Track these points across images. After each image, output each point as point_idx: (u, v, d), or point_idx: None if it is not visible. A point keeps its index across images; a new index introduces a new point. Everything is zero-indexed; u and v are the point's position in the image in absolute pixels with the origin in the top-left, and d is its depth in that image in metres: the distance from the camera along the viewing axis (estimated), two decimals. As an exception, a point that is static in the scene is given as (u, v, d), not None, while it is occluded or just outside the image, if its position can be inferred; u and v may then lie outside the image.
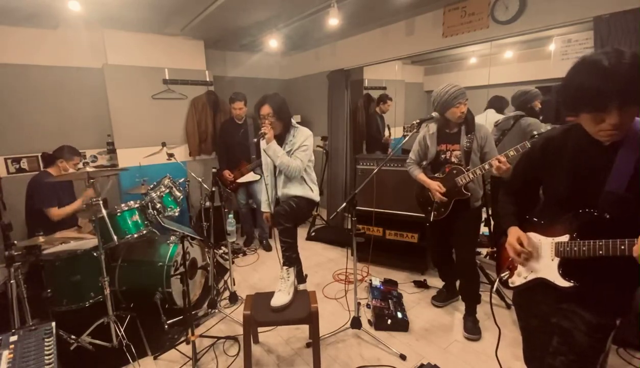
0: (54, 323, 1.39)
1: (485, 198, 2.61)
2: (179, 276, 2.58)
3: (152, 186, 2.88)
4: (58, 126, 3.60)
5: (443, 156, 2.30)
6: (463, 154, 2.21)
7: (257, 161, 3.68)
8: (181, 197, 3.00)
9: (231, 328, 2.52)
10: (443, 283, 2.78)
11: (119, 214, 2.45)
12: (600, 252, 1.08)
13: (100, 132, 3.85)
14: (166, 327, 2.43)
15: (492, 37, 2.92)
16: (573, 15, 2.45)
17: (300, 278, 2.58)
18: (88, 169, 2.28)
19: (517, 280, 1.38)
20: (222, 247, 3.77)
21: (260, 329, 2.38)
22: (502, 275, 1.44)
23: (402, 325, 2.43)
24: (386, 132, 4.70)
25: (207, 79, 4.22)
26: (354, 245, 2.23)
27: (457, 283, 2.61)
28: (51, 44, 3.48)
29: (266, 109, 2.24)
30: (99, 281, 2.20)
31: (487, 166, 2.05)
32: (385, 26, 3.80)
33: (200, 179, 3.18)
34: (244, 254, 3.85)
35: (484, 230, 2.94)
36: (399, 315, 2.47)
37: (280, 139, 2.30)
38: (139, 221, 2.54)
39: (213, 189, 2.61)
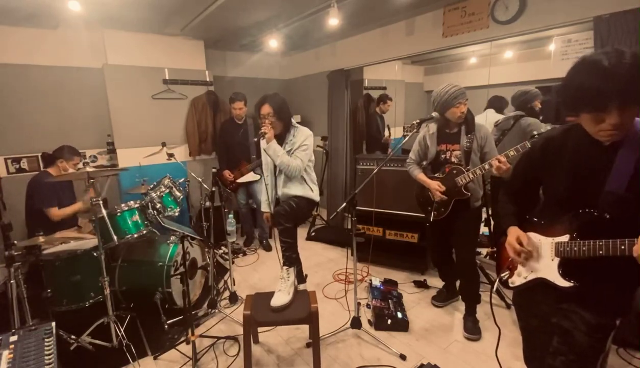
0: (54, 323, 1.39)
1: (485, 198, 2.61)
2: (179, 276, 2.58)
3: (152, 186, 2.88)
4: (58, 126, 3.60)
5: (443, 156, 2.30)
6: (463, 154, 2.21)
7: (257, 161, 3.68)
8: (181, 197, 3.00)
9: (231, 328, 2.52)
10: (443, 283, 2.78)
11: (119, 214, 2.45)
12: (600, 252, 1.08)
13: (100, 132, 3.85)
14: (166, 327, 2.43)
15: (492, 37, 2.92)
16: (573, 15, 2.45)
17: (300, 278, 2.58)
18: (88, 169, 2.27)
19: (517, 280, 1.38)
20: (222, 247, 3.77)
21: (260, 329, 2.38)
22: (502, 275, 1.44)
23: (402, 325, 2.43)
24: (386, 133, 4.70)
25: (207, 79, 4.22)
26: (354, 245, 2.23)
27: (457, 283, 2.61)
28: (51, 44, 3.48)
29: (266, 109, 2.24)
30: (99, 281, 2.20)
31: (487, 166, 2.05)
32: (385, 26, 3.80)
33: (200, 179, 3.19)
34: (244, 254, 3.85)
35: (484, 230, 2.94)
36: (399, 315, 2.47)
37: (281, 139, 2.30)
38: (139, 221, 2.54)
39: (213, 189, 2.61)
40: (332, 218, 4.32)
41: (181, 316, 2.52)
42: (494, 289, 1.49)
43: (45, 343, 1.31)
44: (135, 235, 2.47)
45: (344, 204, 2.19)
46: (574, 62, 1.05)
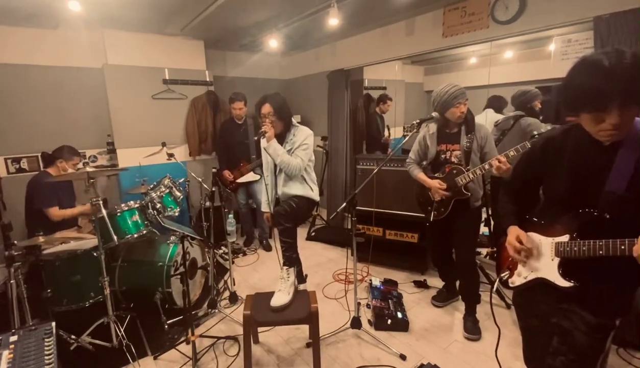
0: (54, 323, 1.39)
1: (485, 198, 2.61)
2: (179, 276, 2.58)
3: (152, 186, 2.89)
4: (58, 126, 3.60)
5: (443, 156, 2.30)
6: (463, 154, 2.22)
7: (257, 161, 3.68)
8: (181, 197, 3.00)
9: (231, 328, 2.52)
10: (443, 283, 2.78)
11: (119, 214, 2.45)
12: (600, 252, 1.08)
13: (100, 132, 3.85)
14: (166, 327, 2.43)
15: (492, 37, 2.92)
16: (573, 15, 2.45)
17: (300, 278, 2.58)
18: (88, 169, 2.27)
19: (517, 280, 1.38)
20: (222, 247, 3.77)
21: (260, 329, 2.38)
22: (502, 274, 1.45)
23: (402, 325, 2.43)
24: (386, 133, 4.70)
25: (207, 79, 4.22)
26: (354, 245, 2.23)
27: (457, 283, 2.61)
28: (51, 44, 3.48)
29: (267, 108, 2.24)
30: (99, 281, 2.20)
31: (487, 166, 2.05)
32: (385, 26, 3.80)
33: (200, 179, 3.19)
34: (244, 254, 3.85)
35: (484, 230, 2.94)
36: (399, 315, 2.47)
37: (281, 138, 2.30)
38: (139, 221, 2.54)
39: (213, 189, 2.61)
40: (332, 218, 4.32)
41: (181, 317, 2.52)
42: (494, 289, 1.49)
43: (45, 343, 1.31)
44: (135, 235, 2.47)
45: (344, 204, 2.19)
46: (574, 62, 1.06)
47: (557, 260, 1.22)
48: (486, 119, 3.28)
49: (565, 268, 1.21)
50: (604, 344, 1.17)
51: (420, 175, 2.38)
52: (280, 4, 3.05)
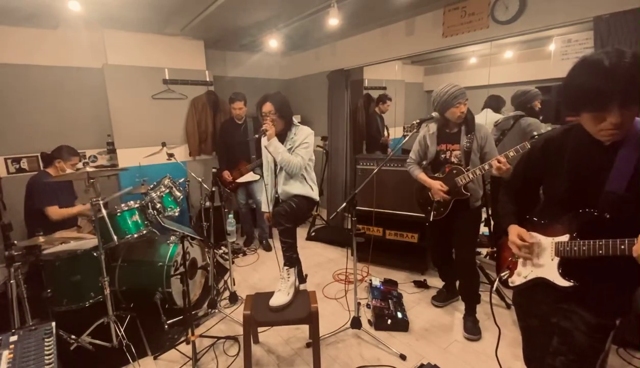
0: (54, 323, 1.39)
1: (485, 198, 2.61)
2: (179, 276, 2.58)
3: (152, 186, 2.89)
4: (58, 126, 3.60)
5: (443, 156, 2.30)
6: (463, 154, 2.22)
7: (256, 161, 3.68)
8: (181, 197, 3.00)
9: (231, 328, 2.52)
10: (443, 283, 2.78)
11: (119, 214, 2.45)
12: (600, 252, 1.08)
13: (100, 132, 3.85)
14: (166, 327, 2.43)
15: (492, 37, 2.92)
16: (573, 15, 2.45)
17: (300, 278, 2.58)
18: (88, 169, 2.27)
19: (517, 279, 1.38)
20: (222, 247, 3.77)
21: (260, 329, 2.39)
22: (502, 274, 1.44)
23: (402, 325, 2.43)
24: (385, 133, 4.70)
25: (207, 79, 4.22)
26: (354, 245, 2.23)
27: (457, 283, 2.61)
28: (51, 44, 3.48)
29: (268, 107, 2.24)
30: (99, 281, 2.20)
31: (486, 166, 2.05)
32: (385, 26, 3.80)
33: (200, 179, 3.19)
34: (244, 254, 3.85)
35: (484, 230, 2.94)
36: (399, 315, 2.47)
37: (282, 137, 2.30)
38: (139, 221, 2.54)
39: (213, 189, 2.61)
40: (332, 218, 4.32)
41: (181, 317, 2.52)
42: (494, 288, 1.50)
43: (45, 343, 1.31)
44: (135, 235, 2.47)
45: (344, 204, 2.19)
46: (574, 62, 1.06)
47: (557, 260, 1.22)
48: (486, 119, 3.28)
49: (565, 268, 1.21)
50: (603, 344, 1.17)
51: (421, 175, 2.38)
52: (280, 4, 3.05)
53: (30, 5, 2.80)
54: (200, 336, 2.35)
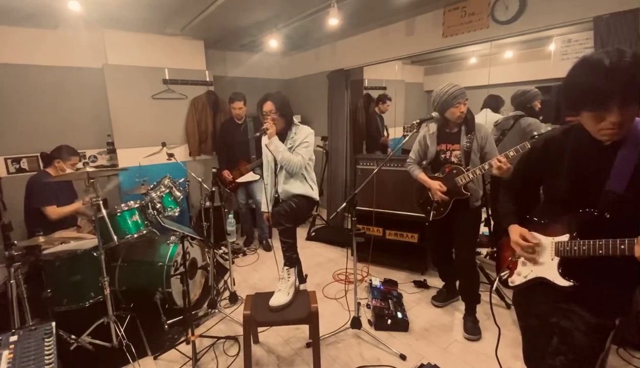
0: (54, 323, 1.39)
1: (485, 198, 2.61)
2: (179, 276, 2.58)
3: (152, 186, 2.89)
4: (58, 126, 3.60)
5: (443, 155, 2.30)
6: (463, 154, 2.22)
7: (256, 161, 3.68)
8: (181, 197, 3.01)
9: (231, 328, 2.52)
10: (443, 283, 2.78)
11: (119, 214, 2.46)
12: (600, 252, 1.08)
13: (100, 132, 3.85)
14: (166, 327, 2.43)
15: (492, 37, 2.92)
16: (573, 15, 2.45)
17: (300, 278, 2.58)
18: (88, 169, 2.27)
19: (516, 279, 1.38)
20: (222, 247, 3.77)
21: (260, 329, 2.39)
22: (502, 274, 1.45)
23: (402, 325, 2.43)
24: (384, 133, 4.70)
25: (207, 79, 4.22)
26: (354, 245, 2.23)
27: (457, 283, 2.61)
28: (51, 44, 3.48)
29: (269, 106, 2.25)
30: (99, 281, 2.20)
31: (486, 166, 2.05)
32: (385, 26, 3.80)
33: (200, 179, 3.18)
34: (244, 254, 3.85)
35: (484, 230, 2.94)
36: (399, 315, 2.47)
37: (282, 137, 2.30)
38: (139, 221, 2.54)
39: (213, 189, 2.61)
40: (332, 218, 4.32)
41: (181, 317, 2.52)
42: (494, 288, 1.50)
43: (45, 343, 1.31)
44: (135, 235, 2.47)
45: (344, 204, 2.19)
46: (574, 61, 1.06)
47: (556, 260, 1.22)
48: (486, 119, 3.28)
49: (565, 268, 1.21)
50: (603, 344, 1.17)
51: (421, 175, 2.38)
52: (280, 4, 3.04)
53: (30, 5, 2.80)
54: (200, 336, 2.35)
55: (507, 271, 1.43)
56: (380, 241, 3.31)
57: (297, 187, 2.30)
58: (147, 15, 3.23)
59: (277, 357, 2.23)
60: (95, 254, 2.28)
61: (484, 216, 2.75)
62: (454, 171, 2.22)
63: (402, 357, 2.16)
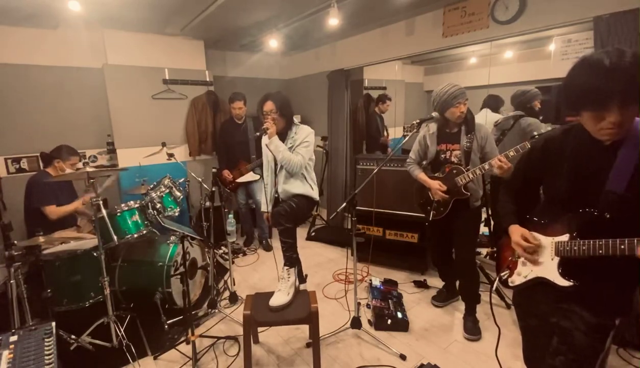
0: (54, 323, 1.39)
1: (485, 198, 2.61)
2: (179, 276, 2.58)
3: (152, 186, 2.89)
4: (58, 126, 3.60)
5: (443, 155, 2.30)
6: (463, 154, 2.22)
7: (256, 161, 3.68)
8: (181, 197, 3.01)
9: (231, 328, 2.52)
10: (443, 283, 2.78)
11: (119, 214, 2.46)
12: (600, 252, 1.08)
13: (100, 132, 3.85)
14: (166, 327, 2.43)
15: (492, 37, 2.92)
16: (573, 15, 2.45)
17: (300, 278, 2.58)
18: (88, 169, 2.27)
19: (516, 279, 1.38)
20: (222, 247, 3.77)
21: (260, 329, 2.39)
22: (502, 274, 1.45)
23: (402, 325, 2.43)
24: (384, 133, 4.70)
25: (207, 79, 4.22)
26: (354, 245, 2.23)
27: (457, 283, 2.61)
28: (51, 44, 3.48)
29: (269, 106, 2.25)
30: (99, 281, 2.20)
31: (486, 166, 2.05)
32: (385, 26, 3.80)
33: (200, 179, 3.18)
34: (244, 254, 3.85)
35: (484, 230, 2.94)
36: (399, 315, 2.47)
37: (282, 136, 2.30)
38: (139, 221, 2.54)
39: (213, 189, 2.61)
40: (332, 218, 4.32)
41: (181, 317, 2.52)
42: (494, 288, 1.50)
43: (45, 343, 1.31)
44: (135, 235, 2.48)
45: (344, 204, 2.19)
46: (574, 61, 1.06)
47: (557, 260, 1.22)
48: (486, 119, 3.28)
49: (565, 268, 1.21)
50: (603, 344, 1.17)
51: (421, 175, 2.38)
52: (280, 4, 3.04)
53: (30, 5, 2.80)
54: (200, 336, 2.35)
55: (507, 271, 1.43)
56: (380, 241, 3.31)
57: (297, 187, 2.30)
58: (147, 15, 3.23)
59: (277, 357, 2.23)
60: (95, 254, 2.28)
61: (484, 216, 2.75)
62: (454, 171, 2.22)
63: (402, 357, 2.16)
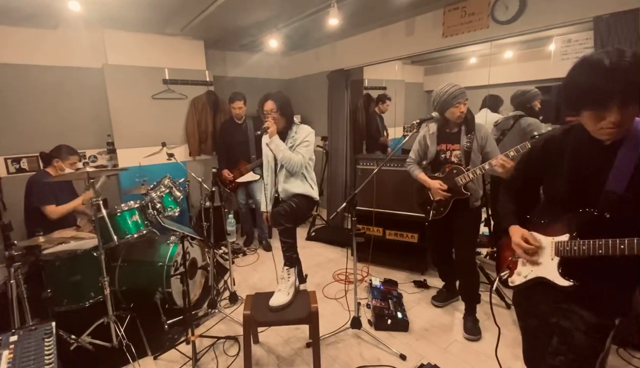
0: (54, 323, 1.39)
1: (485, 198, 2.60)
2: (179, 276, 2.58)
3: (152, 186, 2.89)
4: (58, 126, 3.60)
5: (443, 155, 2.30)
6: (463, 154, 2.22)
7: (256, 161, 3.68)
8: (181, 197, 3.01)
9: (231, 328, 2.52)
10: (443, 283, 2.78)
11: (119, 214, 2.46)
12: (600, 251, 1.08)
13: (100, 132, 3.85)
14: (166, 327, 2.43)
15: (492, 37, 2.92)
16: (573, 15, 2.45)
17: (300, 278, 2.58)
18: (88, 169, 2.27)
19: (516, 279, 1.38)
20: (222, 247, 3.77)
21: (260, 329, 2.39)
22: (502, 274, 1.45)
23: (402, 325, 2.43)
24: (384, 133, 4.70)
25: (207, 79, 4.22)
26: (354, 245, 2.23)
27: (457, 283, 2.61)
28: (51, 44, 3.48)
29: (270, 105, 2.26)
30: (99, 281, 2.20)
31: (487, 166, 2.05)
32: (385, 26, 3.80)
33: (200, 179, 3.18)
34: (244, 254, 3.85)
35: (484, 230, 2.94)
36: (399, 315, 2.47)
37: (283, 136, 2.31)
38: (139, 221, 2.54)
39: (213, 189, 2.61)
40: (332, 218, 4.32)
41: (181, 317, 2.52)
42: (494, 288, 1.50)
43: (45, 343, 1.31)
44: (135, 235, 2.47)
45: (344, 204, 2.19)
46: (575, 61, 1.06)
47: (556, 260, 1.22)
48: (486, 119, 3.28)
49: (565, 268, 1.21)
50: (603, 344, 1.17)
51: (421, 175, 2.38)
52: (280, 4, 3.04)
53: (30, 5, 2.80)
54: (200, 336, 2.35)
55: (507, 271, 1.43)
56: (380, 241, 3.31)
57: (297, 186, 2.31)
58: (147, 15, 3.23)
59: (277, 357, 2.23)
60: (95, 254, 2.28)
61: (484, 216, 2.75)
62: (454, 171, 2.22)
63: (402, 357, 2.16)
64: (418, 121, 2.18)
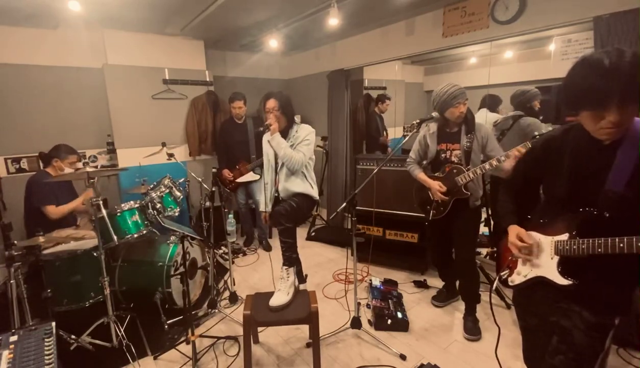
0: (54, 323, 1.39)
1: (485, 198, 2.60)
2: (179, 276, 2.58)
3: (152, 186, 2.89)
4: (58, 126, 3.60)
5: (443, 155, 2.30)
6: (463, 154, 2.22)
7: (256, 161, 3.69)
8: (181, 197, 3.00)
9: (231, 328, 2.52)
10: (443, 283, 2.78)
11: (119, 214, 2.46)
12: (599, 250, 1.08)
13: (100, 132, 3.85)
14: (166, 327, 2.43)
15: (492, 37, 2.92)
16: (573, 15, 2.45)
17: (300, 278, 2.58)
18: (88, 169, 2.27)
19: (516, 278, 1.38)
20: (222, 247, 3.77)
21: (260, 329, 2.39)
22: (502, 273, 1.45)
23: (402, 325, 2.43)
24: (384, 133, 4.70)
25: (207, 79, 4.22)
26: (354, 245, 2.23)
27: (457, 283, 2.61)
28: (51, 44, 3.48)
29: (272, 103, 2.27)
30: (99, 281, 2.20)
31: (487, 166, 2.05)
32: (385, 26, 3.80)
33: (200, 179, 3.18)
34: (244, 254, 3.85)
35: (484, 230, 2.94)
36: (399, 315, 2.47)
37: (284, 134, 2.32)
38: (139, 221, 2.54)
39: (213, 189, 2.61)
40: (332, 218, 4.32)
41: (181, 317, 2.52)
42: (494, 288, 1.50)
43: (45, 343, 1.31)
44: (135, 235, 2.47)
45: (344, 204, 2.19)
46: (574, 61, 1.06)
47: (556, 259, 1.22)
48: (486, 119, 3.28)
49: (565, 267, 1.21)
50: (603, 343, 1.17)
51: (421, 175, 2.38)
52: (280, 4, 3.04)
53: (30, 5, 2.80)
54: (200, 336, 2.35)
55: (507, 271, 1.43)
56: (380, 241, 3.31)
57: (297, 185, 2.31)
58: (147, 15, 3.23)
59: (277, 357, 2.23)
60: (95, 254, 2.28)
61: (484, 216, 2.75)
62: (454, 171, 2.22)
63: (402, 357, 2.16)
64: (418, 121, 2.18)
